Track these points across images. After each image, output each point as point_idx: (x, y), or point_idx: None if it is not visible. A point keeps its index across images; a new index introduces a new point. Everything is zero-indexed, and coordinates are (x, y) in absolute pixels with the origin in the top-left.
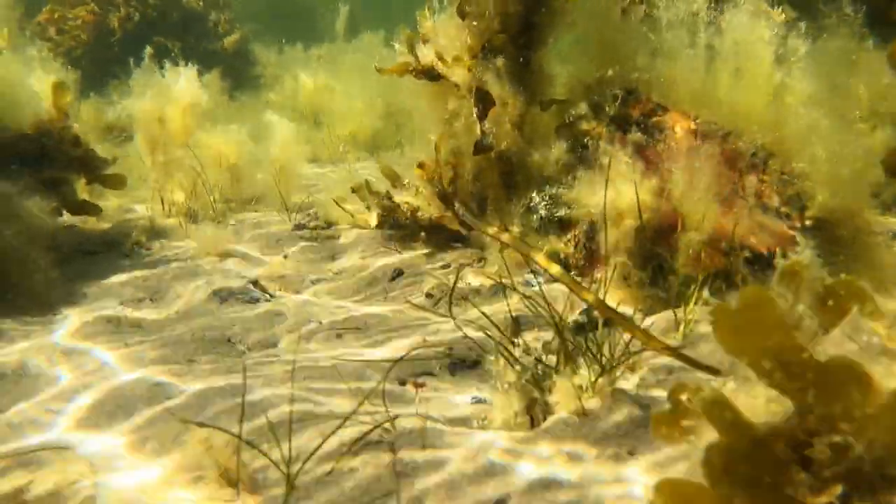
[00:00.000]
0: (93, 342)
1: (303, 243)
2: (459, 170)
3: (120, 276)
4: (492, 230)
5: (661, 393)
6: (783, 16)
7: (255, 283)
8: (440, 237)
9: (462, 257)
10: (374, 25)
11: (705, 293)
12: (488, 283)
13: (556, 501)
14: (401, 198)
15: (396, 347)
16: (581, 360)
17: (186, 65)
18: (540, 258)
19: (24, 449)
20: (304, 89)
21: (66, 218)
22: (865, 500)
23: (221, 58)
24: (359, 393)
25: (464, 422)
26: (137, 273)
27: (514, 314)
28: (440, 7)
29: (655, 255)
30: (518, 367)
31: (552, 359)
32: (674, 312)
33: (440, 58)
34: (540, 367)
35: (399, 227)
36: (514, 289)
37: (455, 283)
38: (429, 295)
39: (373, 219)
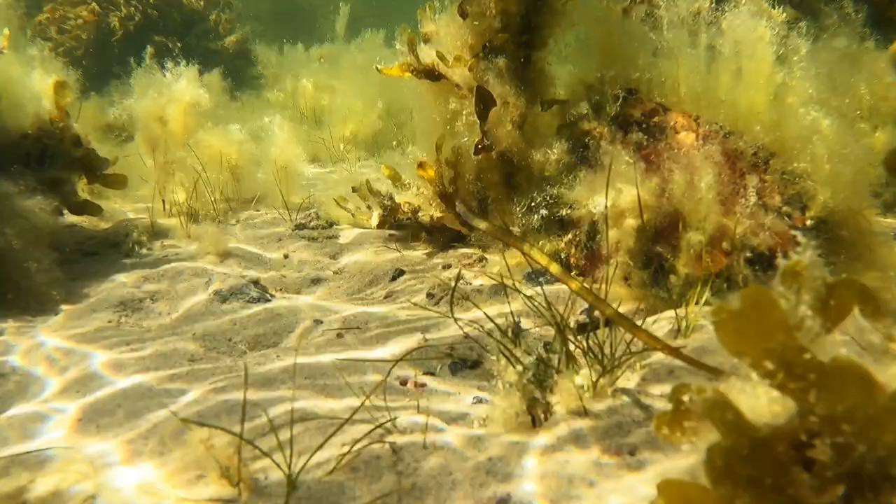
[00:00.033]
0: (94, 342)
1: (304, 243)
2: (460, 169)
3: (121, 275)
4: (489, 226)
5: (662, 393)
6: (784, 15)
7: (256, 282)
8: (441, 237)
9: (463, 257)
10: (375, 25)
11: (706, 293)
12: (489, 282)
13: (558, 501)
14: (402, 197)
15: (397, 347)
16: (582, 360)
17: (187, 64)
18: (541, 257)
19: (25, 449)
20: (304, 89)
21: (67, 218)
22: (868, 501)
23: (222, 57)
24: (360, 393)
25: (465, 421)
26: (138, 273)
27: (515, 314)
28: (441, 6)
29: (656, 254)
30: (519, 367)
31: (554, 358)
32: (675, 312)
33: (441, 57)
34: (541, 366)
35: (400, 226)
36: (516, 289)
37: (456, 282)
38: (430, 295)
39: (374, 218)
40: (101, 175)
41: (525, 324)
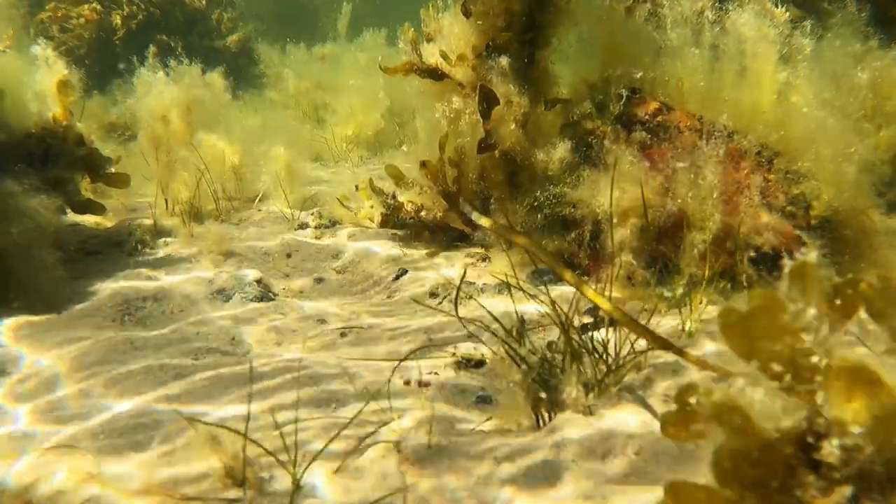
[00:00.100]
0: (95, 341)
1: (306, 242)
2: (463, 169)
3: (124, 274)
4: (493, 224)
5: (666, 392)
6: (787, 14)
7: (259, 281)
8: (444, 236)
9: (466, 256)
10: (377, 24)
11: (711, 293)
12: (493, 281)
13: (562, 501)
14: (405, 196)
15: (400, 346)
16: (587, 359)
17: (190, 63)
18: (545, 256)
19: (28, 448)
20: (306, 88)
21: (71, 217)
22: (875, 502)
23: (224, 56)
24: (364, 392)
25: (469, 421)
26: (141, 272)
27: (519, 313)
28: (444, 6)
29: (660, 254)
30: (524, 366)
31: (558, 358)
32: (679, 312)
33: (444, 56)
34: (546, 366)
35: (403, 225)
36: (520, 288)
37: (461, 282)
38: (433, 294)
39: (376, 217)
40: (103, 174)
41: (529, 322)
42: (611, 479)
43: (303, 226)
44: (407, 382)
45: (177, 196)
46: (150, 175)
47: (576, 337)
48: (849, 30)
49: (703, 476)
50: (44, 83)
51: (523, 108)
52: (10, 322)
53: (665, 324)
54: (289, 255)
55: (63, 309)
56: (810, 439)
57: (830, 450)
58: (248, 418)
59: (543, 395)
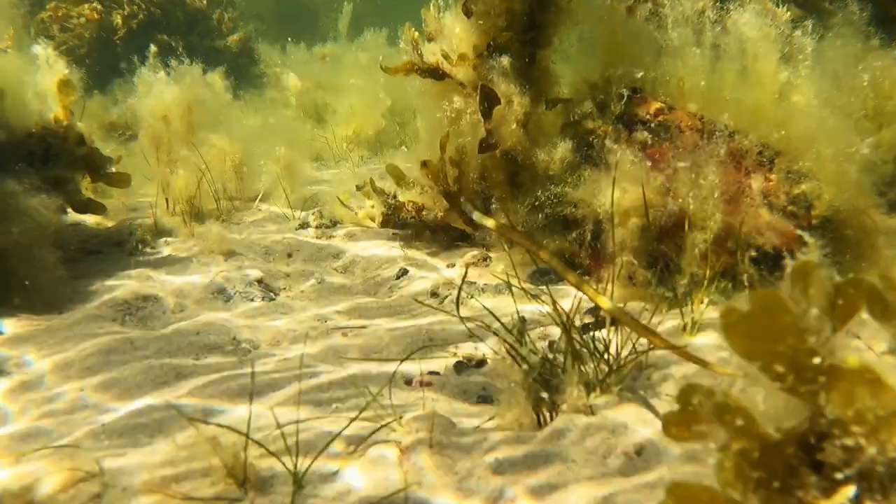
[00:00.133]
0: (96, 341)
1: (307, 241)
2: (464, 168)
3: (124, 274)
4: (495, 223)
5: (668, 392)
6: (788, 14)
7: (260, 281)
8: (445, 236)
9: (467, 256)
10: (378, 24)
11: (712, 292)
12: (494, 281)
13: (563, 501)
14: (406, 196)
15: (401, 346)
16: (588, 359)
17: (191, 63)
18: (545, 255)
19: (31, 447)
20: (307, 88)
21: (71, 216)
22: (877, 503)
23: (225, 56)
24: (365, 392)
25: (470, 420)
26: (142, 271)
27: (520, 313)
28: (445, 5)
29: (661, 254)
30: (525, 366)
31: (559, 357)
32: (680, 311)
33: (445, 56)
34: (547, 365)
35: (404, 225)
36: (521, 287)
37: (462, 282)
38: (434, 293)
39: (377, 217)
40: (104, 174)
41: (531, 322)
42: (612, 479)
43: (304, 225)
44: (408, 382)
45: (177, 195)
46: (151, 174)
47: (577, 337)
48: (850, 29)
49: (705, 477)
50: (44, 83)
51: (524, 107)
52: (11, 321)
53: (666, 323)
54: (289, 255)
55: (64, 308)
56: (812, 440)
57: (832, 450)
58: (249, 418)
59: (545, 394)
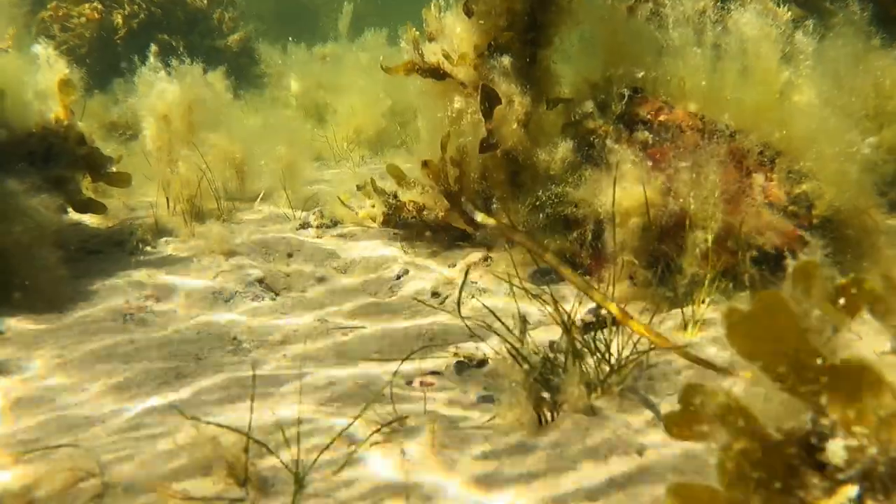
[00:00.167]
0: (97, 341)
1: (308, 241)
2: (465, 168)
3: (125, 274)
4: (496, 223)
5: (669, 391)
6: (789, 14)
7: (261, 281)
8: (446, 236)
9: (468, 256)
10: (378, 24)
11: (713, 292)
12: (495, 281)
13: (565, 501)
14: (406, 196)
15: (402, 346)
16: (589, 359)
17: (191, 62)
18: (549, 258)
19: (32, 447)
20: (307, 88)
21: (72, 216)
22: (879, 503)
23: (226, 56)
24: (366, 392)
25: (472, 420)
26: (142, 271)
27: (521, 312)
28: (446, 5)
29: (662, 253)
30: (526, 366)
31: (560, 357)
32: (681, 311)
33: (446, 56)
34: (548, 365)
35: (405, 225)
36: (522, 287)
37: (464, 282)
38: (434, 293)
39: (378, 217)
40: (105, 173)
41: (531, 322)
42: (613, 479)
43: (304, 225)
44: (409, 382)
45: (178, 195)
46: (152, 174)
47: (578, 336)
48: (851, 29)
49: (706, 477)
50: (45, 82)
51: (525, 107)
52: (12, 321)
53: (667, 323)
54: (290, 255)
55: (64, 308)
56: (814, 440)
57: (834, 450)
58: (250, 418)
59: (546, 394)
